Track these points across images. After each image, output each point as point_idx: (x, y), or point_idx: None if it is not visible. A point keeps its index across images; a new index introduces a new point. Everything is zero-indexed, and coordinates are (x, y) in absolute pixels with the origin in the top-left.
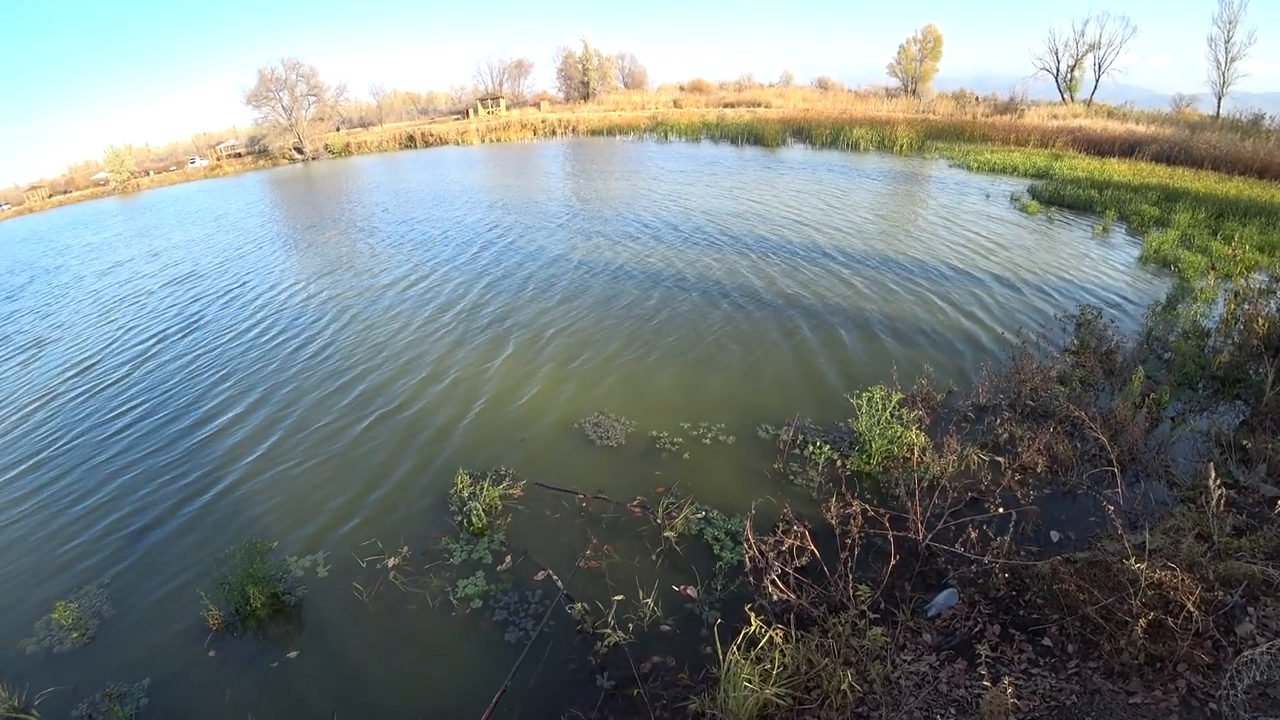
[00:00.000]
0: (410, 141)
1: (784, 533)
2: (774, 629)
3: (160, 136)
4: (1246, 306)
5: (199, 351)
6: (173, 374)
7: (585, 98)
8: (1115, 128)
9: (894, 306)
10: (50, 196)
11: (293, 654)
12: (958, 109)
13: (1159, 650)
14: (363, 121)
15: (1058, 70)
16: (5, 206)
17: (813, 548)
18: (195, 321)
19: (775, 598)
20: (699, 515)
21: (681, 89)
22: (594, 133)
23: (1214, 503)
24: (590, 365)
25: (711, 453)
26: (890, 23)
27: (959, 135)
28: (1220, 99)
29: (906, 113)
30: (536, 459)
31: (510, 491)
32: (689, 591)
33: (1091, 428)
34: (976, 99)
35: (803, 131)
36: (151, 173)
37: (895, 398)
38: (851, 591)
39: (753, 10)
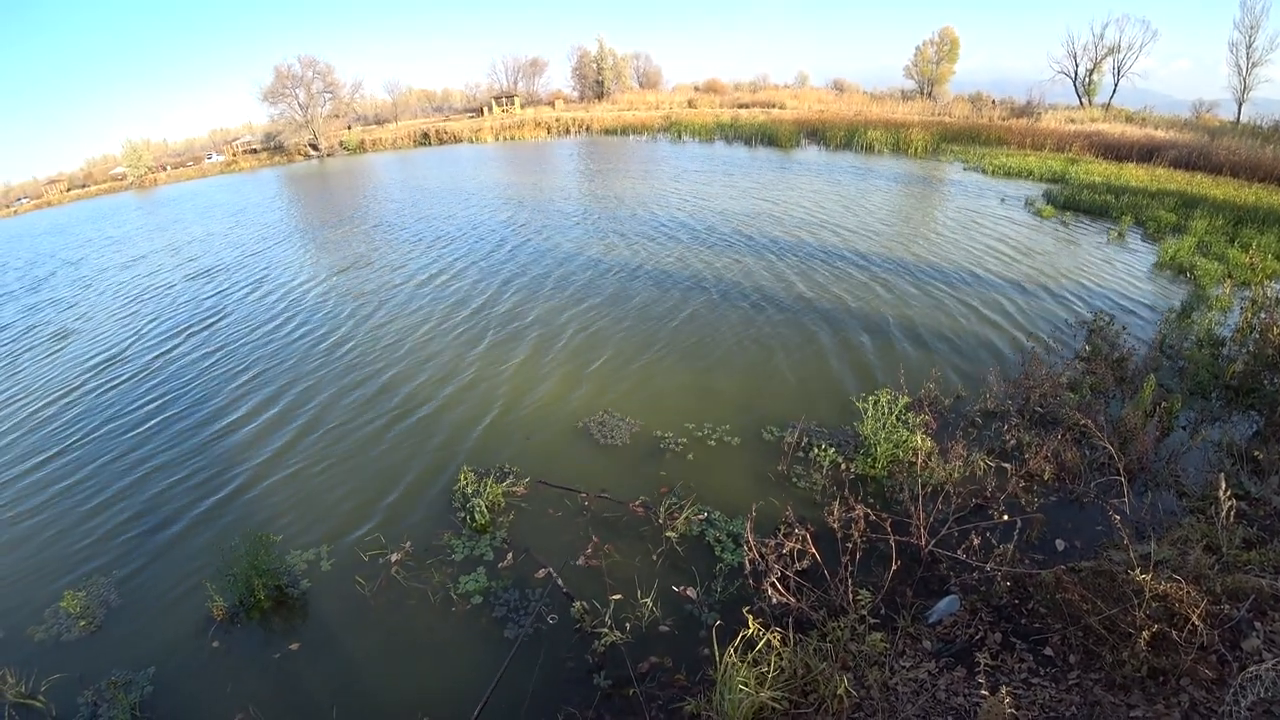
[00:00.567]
0: (425, 139)
1: (785, 535)
2: (772, 632)
3: (177, 132)
4: (1263, 315)
5: (218, 345)
6: (190, 367)
7: (599, 97)
8: (1133, 132)
9: (904, 309)
10: (68, 190)
11: (295, 646)
12: (973, 112)
13: (1162, 663)
14: (378, 118)
15: (1076, 74)
16: (24, 200)
17: (814, 551)
18: (216, 316)
19: (775, 600)
20: (701, 516)
21: (696, 89)
22: (608, 132)
23: (1224, 514)
24: (600, 364)
25: (716, 454)
26: (907, 25)
27: (974, 138)
28: (1241, 104)
29: (922, 115)
30: (541, 457)
31: (513, 489)
32: (689, 592)
33: (1100, 436)
34: (993, 102)
35: (817, 133)
36: (168, 168)
37: (902, 401)
38: (852, 596)
39: (768, 11)
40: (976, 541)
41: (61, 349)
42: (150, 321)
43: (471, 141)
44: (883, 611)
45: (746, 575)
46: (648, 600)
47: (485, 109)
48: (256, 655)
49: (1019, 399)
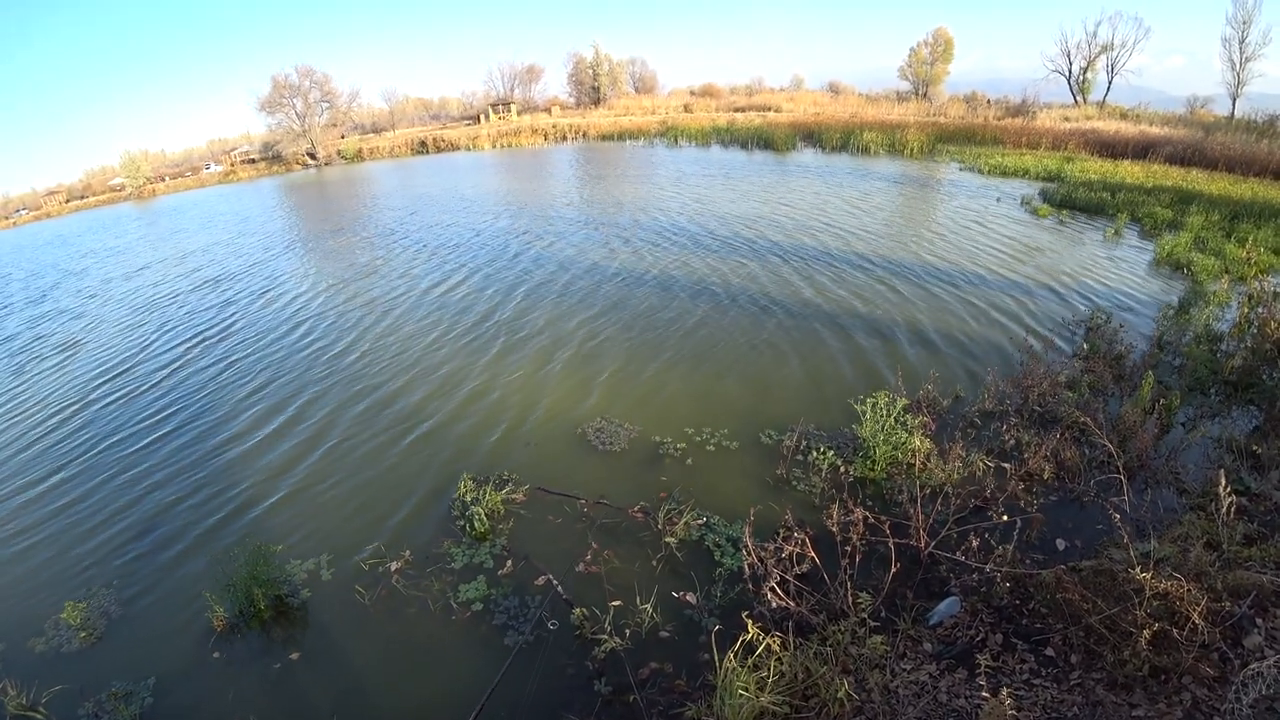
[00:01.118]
0: (422, 147)
1: (784, 539)
2: (772, 636)
3: (175, 143)
4: (1261, 310)
5: (223, 356)
6: (194, 378)
7: (596, 103)
8: (1128, 129)
9: (901, 310)
10: (68, 201)
11: (295, 655)
12: (969, 112)
13: (1164, 662)
14: (375, 127)
15: (1070, 72)
16: (24, 211)
17: (813, 554)
18: (220, 325)
19: (774, 605)
20: (700, 521)
21: (692, 93)
22: (604, 137)
23: (1224, 510)
24: (602, 371)
25: (714, 458)
26: (901, 26)
27: (970, 138)
28: (1235, 100)
29: (917, 116)
30: (539, 464)
31: (513, 496)
32: (688, 598)
33: (1099, 434)
34: (988, 102)
35: (813, 135)
36: (167, 178)
37: (900, 403)
38: (851, 599)
39: (764, 14)
40: (976, 542)
41: (68, 360)
42: (158, 332)
43: (469, 149)
44: (883, 614)
45: (746, 580)
46: (648, 606)
47: (482, 116)
48: (257, 665)
49: (1017, 398)
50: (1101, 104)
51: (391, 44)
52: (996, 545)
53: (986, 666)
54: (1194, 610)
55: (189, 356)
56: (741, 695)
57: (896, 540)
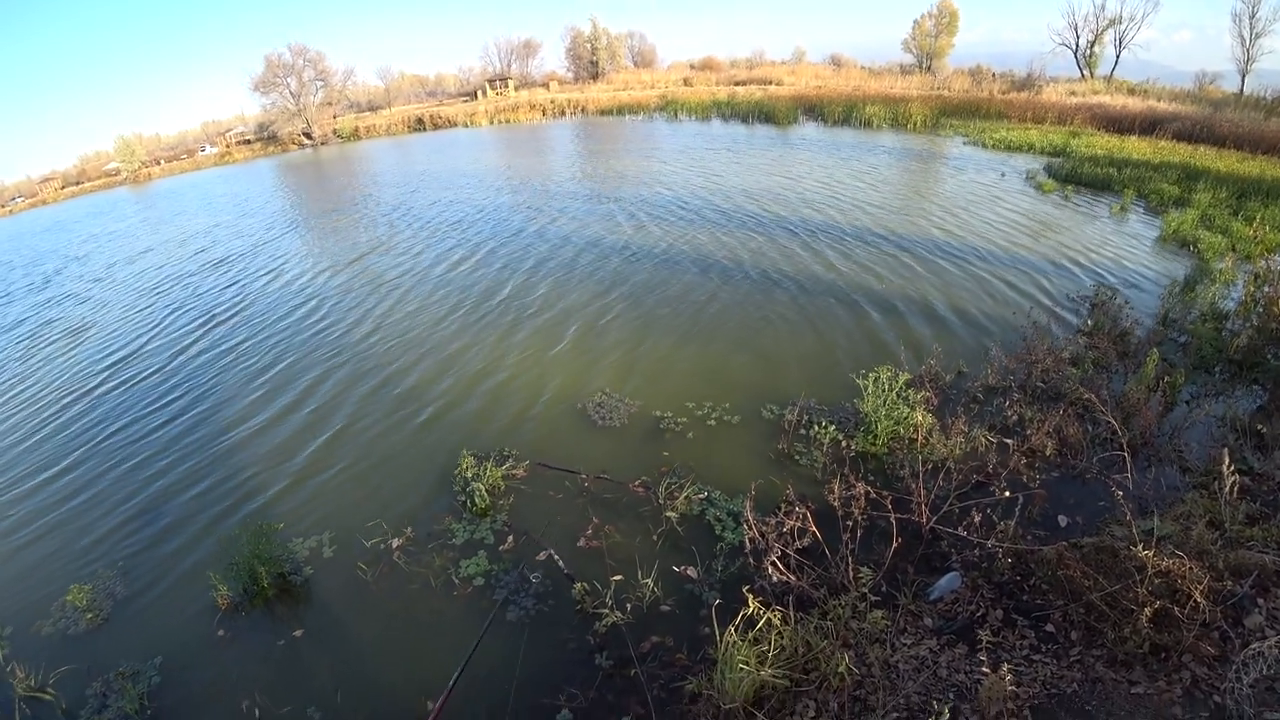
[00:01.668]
0: (419, 124)
1: (786, 514)
2: (772, 610)
3: (169, 125)
4: (1267, 289)
5: (229, 337)
6: (198, 359)
7: (594, 77)
8: (1135, 105)
9: (903, 284)
10: (63, 188)
11: (298, 632)
12: (974, 85)
13: (1164, 640)
14: (371, 105)
15: (1077, 46)
16: (19, 199)
17: (814, 529)
18: (226, 306)
19: (775, 579)
20: (701, 495)
21: (692, 67)
22: (603, 113)
23: (1227, 489)
24: (597, 344)
25: (715, 433)
26: None
27: (974, 112)
28: (1244, 76)
29: (921, 89)
30: (540, 439)
31: (513, 472)
32: (689, 572)
33: (1103, 411)
34: (993, 75)
35: (815, 109)
36: (162, 162)
37: (902, 378)
38: (853, 574)
39: None
40: (978, 518)
41: (74, 345)
42: (166, 313)
43: (467, 125)
44: (884, 589)
45: (747, 554)
46: (648, 580)
47: (479, 92)
48: (261, 642)
49: (1020, 374)
50: (1109, 78)
51: (386, 21)
52: (998, 521)
53: (987, 642)
54: (1195, 589)
55: (195, 338)
56: (742, 669)
57: (898, 515)
